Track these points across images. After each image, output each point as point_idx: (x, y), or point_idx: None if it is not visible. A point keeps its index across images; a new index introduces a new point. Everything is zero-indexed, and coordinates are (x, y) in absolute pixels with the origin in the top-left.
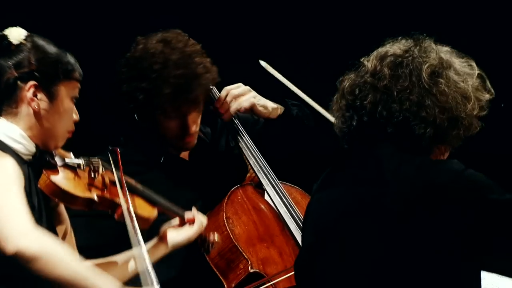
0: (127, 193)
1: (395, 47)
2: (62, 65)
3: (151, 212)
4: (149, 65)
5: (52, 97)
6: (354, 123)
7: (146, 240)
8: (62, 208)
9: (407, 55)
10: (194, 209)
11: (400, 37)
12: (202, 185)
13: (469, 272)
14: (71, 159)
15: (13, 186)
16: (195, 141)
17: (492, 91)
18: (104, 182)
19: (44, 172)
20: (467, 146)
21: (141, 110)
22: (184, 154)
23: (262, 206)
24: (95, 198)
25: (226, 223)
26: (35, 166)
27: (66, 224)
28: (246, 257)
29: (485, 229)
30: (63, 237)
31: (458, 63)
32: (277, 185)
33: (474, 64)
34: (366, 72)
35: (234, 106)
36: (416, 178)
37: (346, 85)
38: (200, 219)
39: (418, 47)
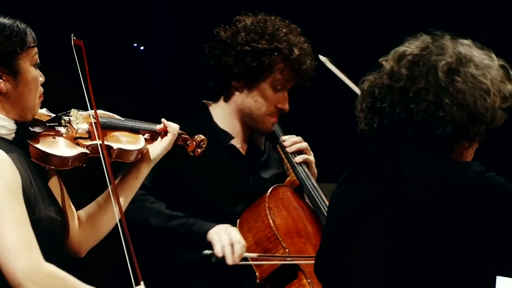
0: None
1: (412, 46)
2: (16, 37)
3: (139, 141)
4: (276, 29)
5: (16, 73)
6: (375, 126)
7: None
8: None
9: (424, 53)
10: (163, 120)
11: (419, 34)
12: (251, 181)
13: (483, 275)
14: (50, 119)
15: (9, 200)
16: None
17: None
18: (88, 129)
19: (31, 143)
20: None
21: (259, 72)
22: (243, 148)
23: (301, 206)
24: (86, 150)
25: (267, 213)
26: (21, 141)
27: (64, 193)
28: (284, 246)
29: (500, 233)
30: (63, 207)
31: (478, 55)
32: (317, 191)
33: (494, 55)
34: (384, 74)
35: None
36: (436, 178)
37: (366, 87)
38: (172, 127)
39: (435, 44)
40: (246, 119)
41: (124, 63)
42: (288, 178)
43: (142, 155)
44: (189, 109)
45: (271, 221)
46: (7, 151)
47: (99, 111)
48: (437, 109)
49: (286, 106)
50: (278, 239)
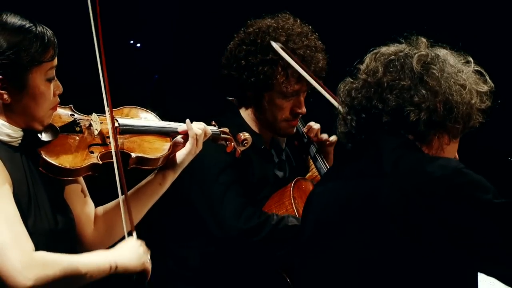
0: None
1: (389, 48)
2: (27, 53)
3: (164, 147)
4: (274, 38)
5: (22, 87)
6: (354, 124)
7: None
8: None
9: (400, 53)
10: (187, 121)
11: (398, 39)
12: (280, 177)
13: (462, 270)
14: (65, 124)
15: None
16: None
17: (492, 83)
18: (106, 135)
19: (39, 153)
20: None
21: (259, 85)
22: (268, 148)
23: None
24: (98, 160)
25: (292, 202)
26: (28, 148)
27: (81, 196)
28: None
29: (474, 229)
30: (82, 209)
31: (453, 58)
32: None
33: (471, 59)
34: (360, 72)
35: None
36: (414, 171)
37: (343, 89)
38: (193, 130)
39: (410, 46)
40: (265, 126)
41: (120, 60)
42: (309, 174)
43: (169, 160)
44: (217, 107)
45: (295, 209)
46: (5, 157)
47: (136, 110)
48: (411, 96)
49: (302, 110)
50: None
